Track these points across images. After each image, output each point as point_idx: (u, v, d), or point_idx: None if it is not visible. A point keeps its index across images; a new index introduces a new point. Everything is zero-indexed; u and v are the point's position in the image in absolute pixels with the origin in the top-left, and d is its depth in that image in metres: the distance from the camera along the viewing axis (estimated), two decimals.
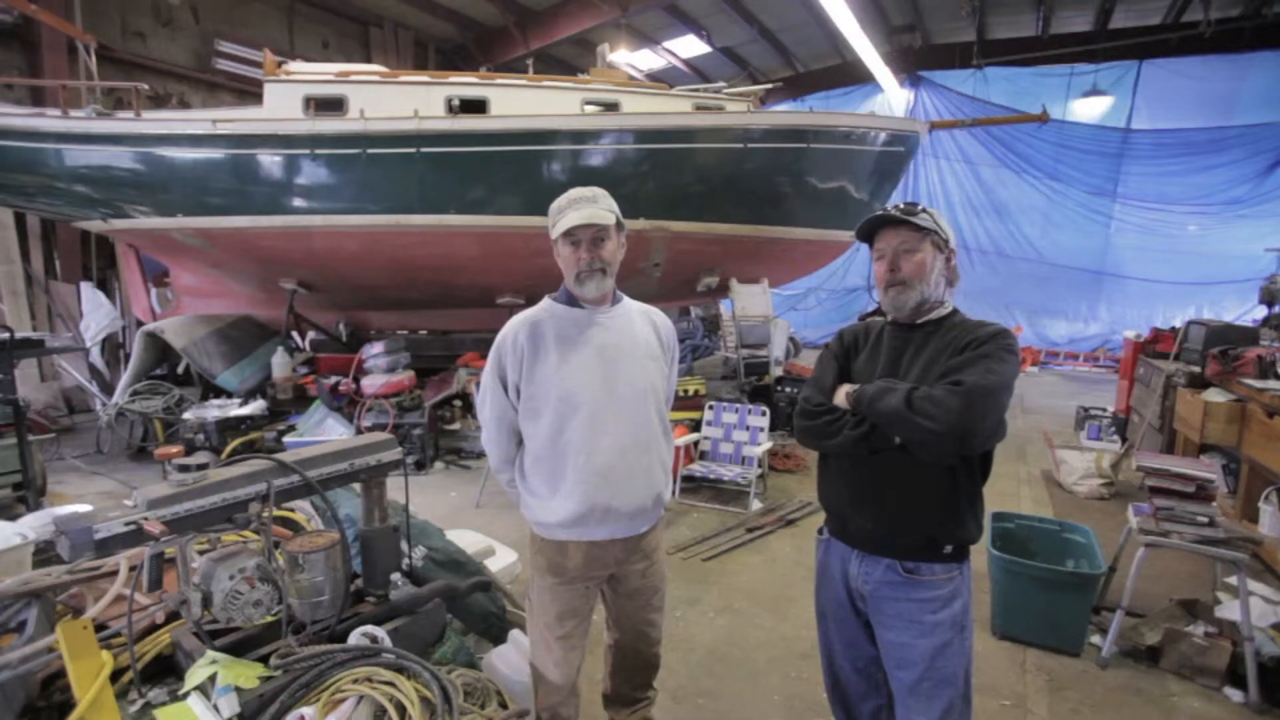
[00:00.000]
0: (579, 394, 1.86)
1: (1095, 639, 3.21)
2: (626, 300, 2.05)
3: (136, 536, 1.64)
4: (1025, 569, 3.18)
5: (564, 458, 1.87)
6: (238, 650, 1.81)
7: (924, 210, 1.72)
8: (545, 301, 1.99)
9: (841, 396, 1.76)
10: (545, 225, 1.94)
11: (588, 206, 1.86)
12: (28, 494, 4.11)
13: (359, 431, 5.99)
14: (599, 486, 1.86)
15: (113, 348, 8.53)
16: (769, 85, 9.52)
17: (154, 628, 1.99)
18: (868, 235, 1.80)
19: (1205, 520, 3.02)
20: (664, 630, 2.21)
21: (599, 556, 1.94)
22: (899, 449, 1.65)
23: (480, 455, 6.37)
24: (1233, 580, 3.05)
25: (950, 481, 1.67)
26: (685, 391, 6.28)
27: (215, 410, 6.17)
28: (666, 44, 13.40)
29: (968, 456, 1.67)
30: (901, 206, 1.73)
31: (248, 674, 1.68)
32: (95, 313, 8.14)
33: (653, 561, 2.07)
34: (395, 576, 2.25)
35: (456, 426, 6.72)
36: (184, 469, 1.79)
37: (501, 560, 3.26)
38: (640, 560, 2.03)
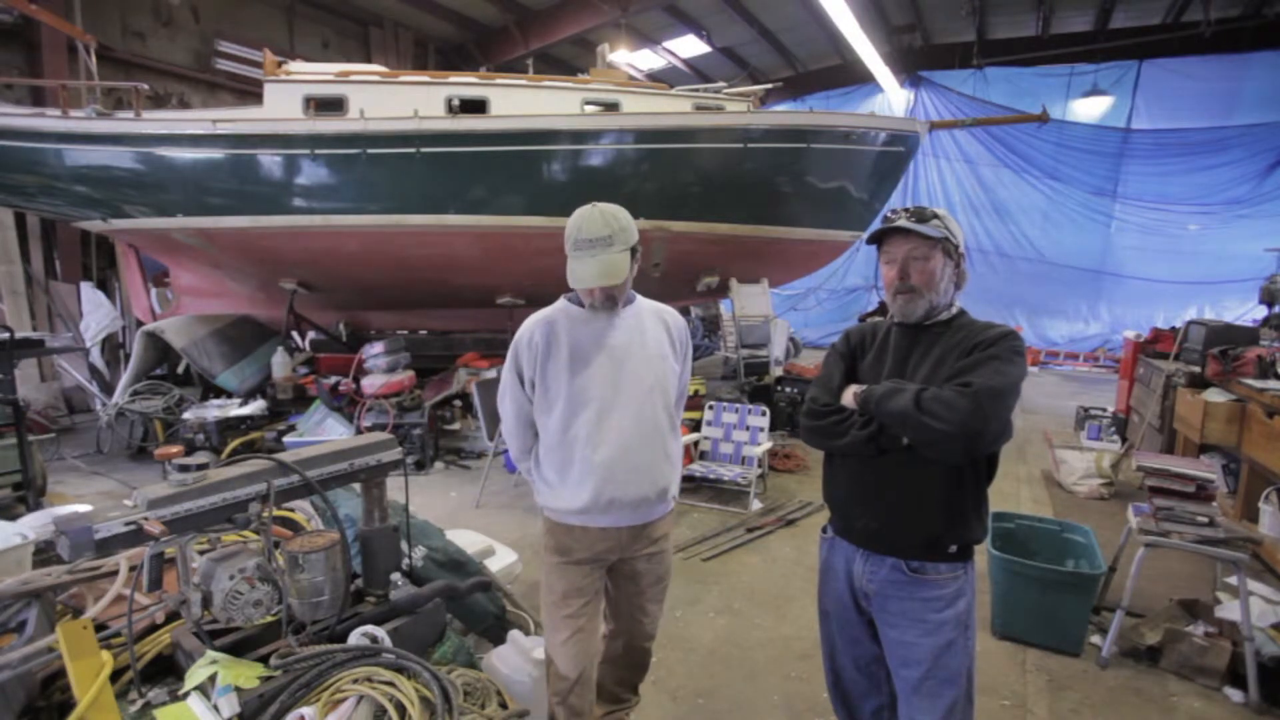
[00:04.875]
0: (588, 390, 1.97)
1: (1095, 639, 3.21)
2: (639, 300, 2.12)
3: (136, 536, 1.63)
4: (1025, 569, 3.18)
5: (572, 450, 1.99)
6: (238, 650, 1.80)
7: (936, 216, 1.70)
8: (561, 301, 2.09)
9: (849, 397, 1.76)
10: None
11: (604, 253, 1.87)
12: (28, 494, 4.09)
13: (359, 431, 5.99)
14: (604, 478, 1.96)
15: (113, 348, 8.52)
16: (769, 85, 9.50)
17: (154, 628, 1.99)
18: (878, 238, 1.79)
19: (1205, 520, 3.02)
20: (659, 629, 2.24)
21: (604, 539, 2.04)
22: (905, 449, 1.65)
23: (480, 455, 6.37)
24: (1233, 580, 3.05)
25: (956, 481, 1.67)
26: None
27: (215, 410, 6.17)
28: (666, 44, 13.40)
29: (974, 457, 1.66)
30: (912, 210, 1.72)
31: (248, 674, 1.67)
32: (95, 313, 8.15)
33: (660, 550, 2.15)
34: (395, 576, 2.24)
35: (456, 426, 6.71)
36: (184, 469, 1.78)
37: (501, 560, 3.25)
38: (647, 545, 2.10)
